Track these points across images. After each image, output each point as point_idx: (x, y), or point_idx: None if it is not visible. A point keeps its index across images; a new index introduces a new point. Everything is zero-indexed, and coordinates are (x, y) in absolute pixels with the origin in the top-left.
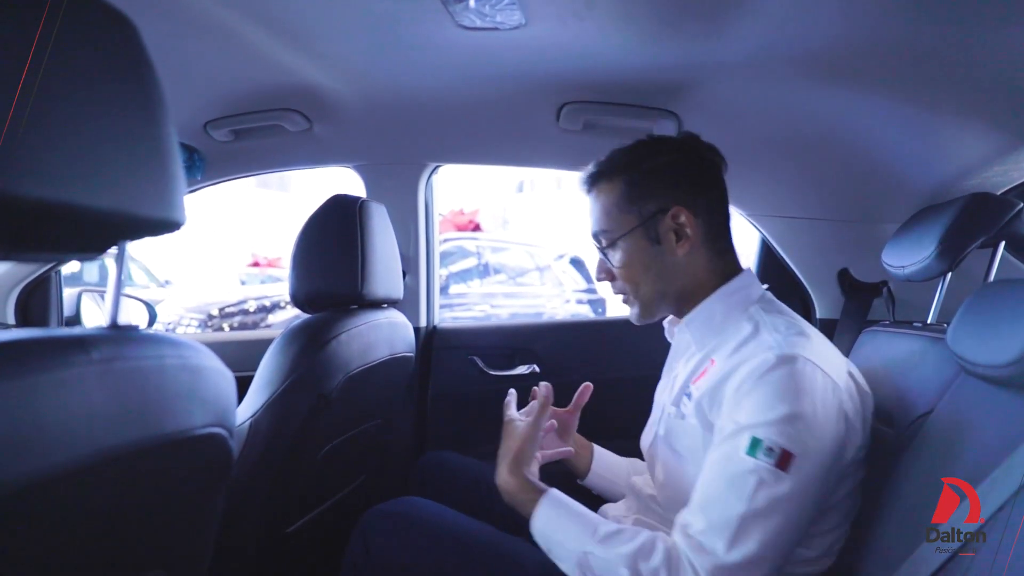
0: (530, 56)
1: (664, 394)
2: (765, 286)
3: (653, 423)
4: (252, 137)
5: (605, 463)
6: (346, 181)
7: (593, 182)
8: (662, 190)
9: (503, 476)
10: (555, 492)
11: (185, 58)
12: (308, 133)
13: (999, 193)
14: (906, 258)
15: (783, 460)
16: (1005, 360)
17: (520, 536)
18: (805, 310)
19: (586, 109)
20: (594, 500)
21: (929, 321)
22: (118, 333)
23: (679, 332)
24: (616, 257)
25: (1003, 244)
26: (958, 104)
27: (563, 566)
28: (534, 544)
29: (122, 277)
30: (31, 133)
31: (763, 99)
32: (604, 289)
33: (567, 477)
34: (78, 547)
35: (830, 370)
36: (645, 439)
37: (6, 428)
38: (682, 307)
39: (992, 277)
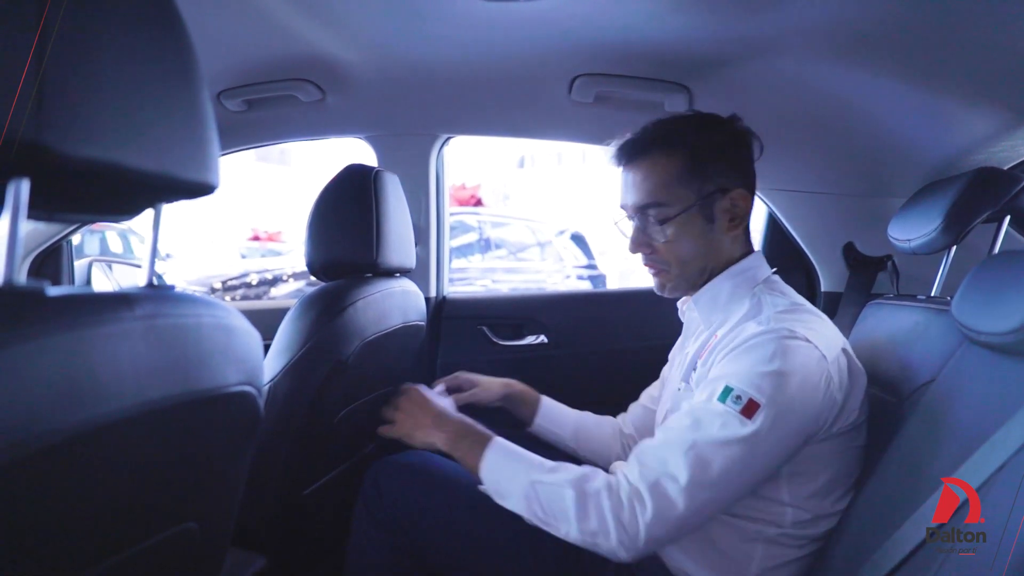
0: (546, 27)
1: (675, 372)
2: (774, 269)
3: (665, 400)
4: (265, 107)
5: (550, 414)
6: (350, 154)
7: (643, 151)
8: (724, 169)
9: (440, 432)
10: (499, 438)
11: (200, 27)
12: (321, 104)
13: (1006, 168)
14: (912, 231)
15: (749, 407)
16: (1009, 328)
17: None
18: (810, 283)
19: (598, 81)
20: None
21: (933, 294)
22: (157, 292)
23: (688, 311)
24: (667, 232)
25: (1008, 219)
26: (966, 80)
27: (510, 503)
28: None
29: (158, 239)
30: (78, 93)
31: (774, 74)
32: (605, 265)
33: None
34: (117, 498)
35: (820, 344)
36: (658, 416)
37: (62, 378)
38: (708, 282)
39: (996, 251)
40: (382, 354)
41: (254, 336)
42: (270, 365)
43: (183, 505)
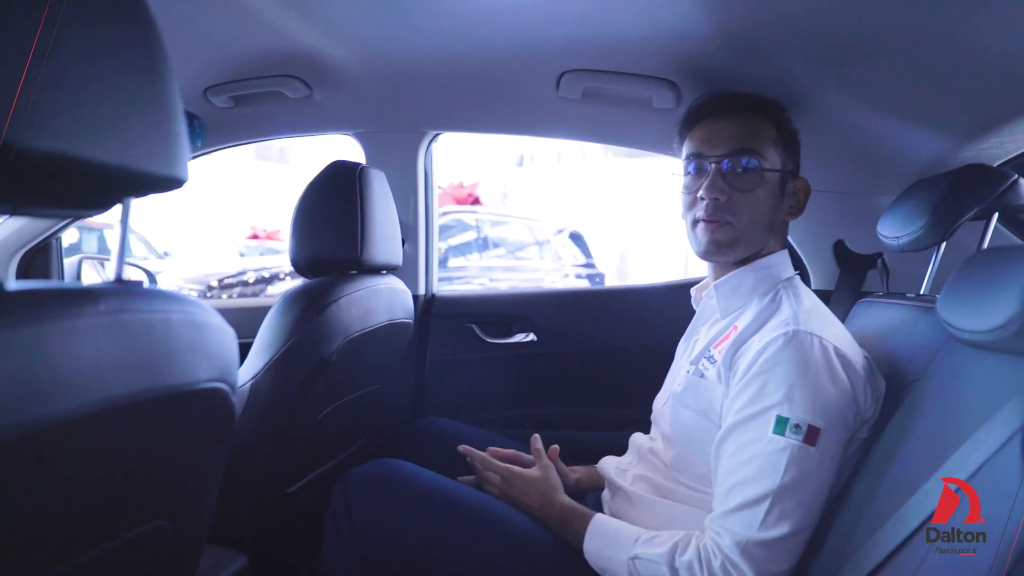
0: (532, 22)
1: (683, 357)
2: (797, 272)
3: (669, 383)
4: (252, 104)
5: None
6: (346, 152)
7: (745, 107)
8: (797, 158)
9: (545, 515)
10: (599, 515)
11: (186, 22)
12: (308, 100)
13: (995, 165)
14: (900, 229)
15: (810, 435)
16: (992, 325)
17: None
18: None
19: (586, 77)
20: None
21: (922, 292)
22: (124, 287)
23: (707, 298)
24: (753, 181)
25: (996, 216)
26: (954, 77)
27: None
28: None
29: (127, 234)
30: (38, 86)
31: (760, 70)
32: (603, 264)
33: None
34: (83, 495)
35: (844, 347)
36: (660, 398)
37: (21, 373)
38: (743, 263)
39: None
40: (366, 352)
41: (227, 332)
42: (252, 362)
43: (152, 503)
